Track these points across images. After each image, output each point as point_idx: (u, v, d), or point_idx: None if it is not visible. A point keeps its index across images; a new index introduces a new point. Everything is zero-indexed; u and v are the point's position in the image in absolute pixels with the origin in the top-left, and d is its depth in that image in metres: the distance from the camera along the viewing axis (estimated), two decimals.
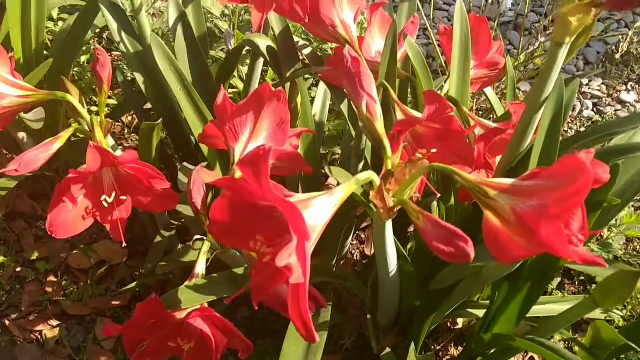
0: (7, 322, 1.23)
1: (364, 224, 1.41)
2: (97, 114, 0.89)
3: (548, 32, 1.56)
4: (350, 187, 0.59)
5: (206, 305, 0.71)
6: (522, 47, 1.49)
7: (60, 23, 1.73)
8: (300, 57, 1.07)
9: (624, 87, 1.72)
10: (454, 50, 0.98)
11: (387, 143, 0.65)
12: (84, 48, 1.60)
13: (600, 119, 1.73)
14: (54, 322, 1.24)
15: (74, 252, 1.34)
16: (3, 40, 1.37)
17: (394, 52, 0.91)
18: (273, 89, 0.80)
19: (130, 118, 1.66)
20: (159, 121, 0.92)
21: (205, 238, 0.79)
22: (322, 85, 1.23)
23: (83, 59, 1.61)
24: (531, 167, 0.80)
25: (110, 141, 0.92)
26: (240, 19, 1.61)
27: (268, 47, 1.07)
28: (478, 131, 0.93)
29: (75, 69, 1.61)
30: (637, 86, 1.77)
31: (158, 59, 0.92)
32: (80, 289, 1.29)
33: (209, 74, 1.06)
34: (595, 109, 1.77)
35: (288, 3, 0.92)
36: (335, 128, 1.48)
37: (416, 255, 0.99)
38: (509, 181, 0.59)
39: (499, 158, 0.93)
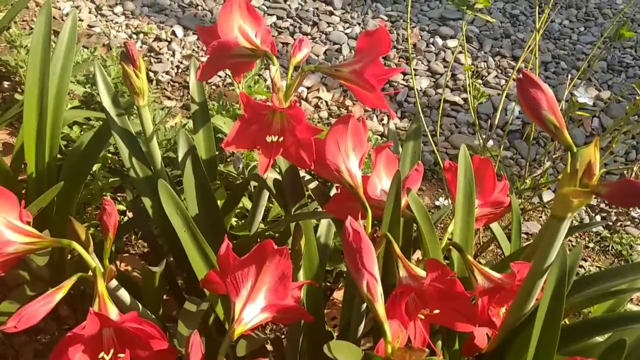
0: None
1: None
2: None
3: (555, 152, 1.58)
4: None
5: None
6: (529, 164, 1.51)
7: (76, 128, 1.77)
8: (306, 192, 1.08)
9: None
10: (458, 197, 0.98)
11: (387, 327, 0.65)
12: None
13: (609, 236, 1.72)
14: None
15: None
16: (17, 152, 1.41)
17: (398, 200, 0.92)
18: (275, 246, 0.80)
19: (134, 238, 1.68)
20: (159, 268, 0.92)
21: None
22: (322, 227, 1.23)
23: (95, 167, 1.64)
24: (535, 330, 0.79)
25: (113, 283, 0.92)
26: None
27: (275, 180, 1.09)
28: (481, 280, 0.92)
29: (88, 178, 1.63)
30: None
31: (165, 203, 0.94)
32: None
33: (216, 212, 1.07)
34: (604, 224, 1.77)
35: (295, 149, 0.94)
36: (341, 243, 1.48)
37: None
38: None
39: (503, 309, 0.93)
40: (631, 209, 1.74)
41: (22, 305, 0.83)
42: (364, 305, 1.00)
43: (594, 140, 0.69)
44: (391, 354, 0.63)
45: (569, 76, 2.20)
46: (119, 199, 1.70)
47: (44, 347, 1.37)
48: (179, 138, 1.07)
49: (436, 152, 1.48)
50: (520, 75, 0.70)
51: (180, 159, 1.08)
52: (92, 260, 0.86)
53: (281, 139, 0.93)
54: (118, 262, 1.56)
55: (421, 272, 0.83)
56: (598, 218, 1.78)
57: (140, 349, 0.80)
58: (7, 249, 0.83)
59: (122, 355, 0.79)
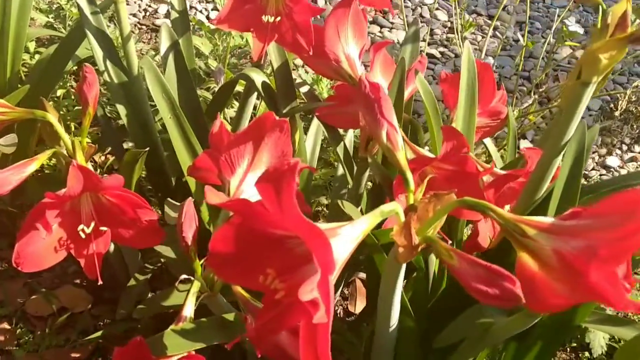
0: None
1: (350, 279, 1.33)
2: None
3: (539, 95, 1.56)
4: (375, 218, 0.52)
5: (193, 353, 0.61)
6: (513, 103, 1.48)
7: (37, 56, 1.66)
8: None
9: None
10: (461, 95, 0.94)
11: (409, 175, 0.59)
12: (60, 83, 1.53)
13: (585, 183, 1.71)
14: None
15: (33, 297, 1.22)
16: None
17: (401, 90, 0.87)
18: (276, 117, 0.73)
19: (103, 158, 1.58)
20: (145, 150, 0.84)
21: (192, 278, 0.70)
22: (311, 131, 1.18)
23: (59, 92, 1.53)
24: (550, 215, 0.75)
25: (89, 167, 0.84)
26: (227, 61, 1.57)
27: (263, 82, 1.02)
28: (486, 178, 0.87)
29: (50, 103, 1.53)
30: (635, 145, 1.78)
31: (149, 82, 0.86)
32: (36, 338, 1.16)
33: (199, 108, 0.99)
34: None
35: (291, 34, 0.88)
36: (322, 177, 1.42)
37: (415, 309, 0.91)
38: (548, 219, 0.53)
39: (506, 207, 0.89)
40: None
41: None
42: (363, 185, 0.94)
43: None
44: (412, 204, 0.57)
45: (542, 35, 2.20)
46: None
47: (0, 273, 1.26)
48: (161, 31, 0.99)
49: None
50: None
51: (162, 53, 1.00)
52: (65, 135, 0.77)
53: (278, 18, 0.86)
54: None
55: (429, 154, 0.78)
56: None
57: (123, 226, 0.72)
58: None
59: (104, 228, 0.70)
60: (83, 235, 0.70)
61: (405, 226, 0.54)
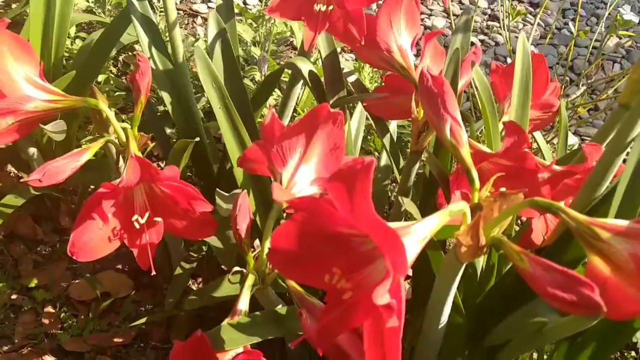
0: None
1: None
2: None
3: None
4: (444, 217, 0.50)
5: (249, 347, 0.61)
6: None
7: (78, 41, 1.67)
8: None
9: None
10: (515, 87, 0.91)
11: (474, 172, 0.57)
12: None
13: None
14: (49, 358, 1.12)
15: (76, 281, 1.24)
16: None
17: (455, 82, 0.85)
18: (330, 109, 0.72)
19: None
20: (195, 139, 0.83)
21: (243, 270, 0.70)
22: (354, 119, 1.16)
23: (100, 78, 1.54)
24: (611, 213, 0.72)
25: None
26: (266, 48, 1.55)
27: (310, 72, 1.00)
28: (541, 174, 0.85)
29: None
30: None
31: (200, 71, 0.85)
32: (79, 323, 1.18)
33: (245, 97, 0.98)
34: None
35: (343, 24, 0.86)
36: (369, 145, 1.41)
37: (464, 306, 0.89)
38: (623, 222, 0.51)
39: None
40: None
41: (27, 202, 0.74)
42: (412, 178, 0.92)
43: None
44: (477, 202, 0.55)
45: (586, 23, 2.14)
46: (123, 117, 1.60)
47: (43, 258, 1.28)
48: (209, 17, 0.98)
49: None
50: None
51: (210, 41, 0.99)
52: (117, 124, 0.77)
53: (330, 7, 0.84)
54: None
55: (485, 149, 0.76)
56: None
57: (176, 217, 0.72)
58: (26, 105, 0.74)
59: (158, 219, 0.70)
60: (137, 226, 0.70)
61: (473, 226, 0.52)
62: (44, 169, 0.68)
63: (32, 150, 1.16)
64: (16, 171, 1.35)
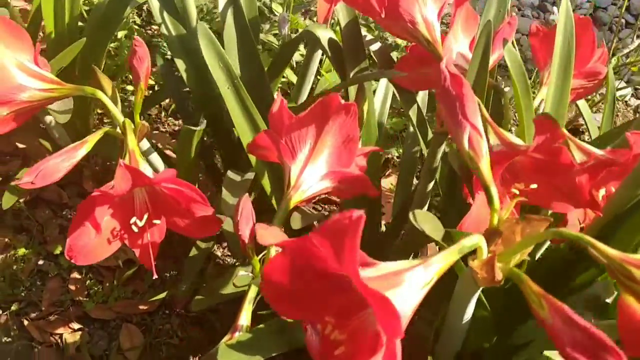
0: (26, 322, 1.13)
1: None
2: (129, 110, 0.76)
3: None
4: (452, 256, 0.45)
5: None
6: (611, 47, 1.31)
7: None
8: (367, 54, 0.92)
9: None
10: (555, 58, 0.82)
11: (494, 190, 0.51)
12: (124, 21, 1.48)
13: None
14: (76, 326, 1.14)
15: None
16: (34, 13, 1.25)
17: (486, 58, 0.76)
18: (342, 100, 0.65)
19: (168, 100, 1.54)
20: (200, 127, 0.78)
21: (250, 274, 0.66)
22: (378, 94, 1.08)
23: (121, 34, 1.48)
24: None
25: (145, 144, 0.79)
26: (292, 3, 1.46)
27: (330, 39, 0.92)
28: (580, 157, 0.77)
29: (112, 45, 1.49)
30: None
31: (205, 52, 0.79)
32: (105, 290, 1.18)
33: (261, 71, 0.92)
34: None
35: None
36: (392, 127, 1.33)
37: (490, 298, 0.84)
38: None
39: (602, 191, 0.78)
40: None
41: None
42: (430, 186, 0.87)
43: None
44: (498, 224, 0.49)
45: None
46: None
47: (69, 222, 1.27)
48: None
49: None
50: None
51: (220, 9, 0.92)
52: (118, 113, 0.72)
53: None
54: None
55: (516, 139, 0.69)
56: None
57: (178, 216, 0.68)
58: (20, 95, 0.70)
59: (157, 221, 0.66)
60: (136, 229, 0.66)
61: (488, 262, 0.46)
62: (37, 169, 0.64)
63: (49, 119, 1.14)
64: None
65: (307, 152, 0.69)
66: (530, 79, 0.86)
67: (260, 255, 0.66)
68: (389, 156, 1.42)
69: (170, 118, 1.53)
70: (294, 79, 1.26)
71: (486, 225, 0.59)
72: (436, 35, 0.79)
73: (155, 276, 0.69)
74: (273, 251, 0.65)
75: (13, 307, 1.14)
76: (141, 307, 1.17)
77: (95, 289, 1.18)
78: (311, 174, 0.68)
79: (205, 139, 1.31)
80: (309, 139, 0.69)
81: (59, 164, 0.66)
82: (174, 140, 1.46)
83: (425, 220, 0.60)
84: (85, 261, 0.66)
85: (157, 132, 1.48)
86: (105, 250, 0.67)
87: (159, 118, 1.53)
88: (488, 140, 0.69)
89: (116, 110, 0.72)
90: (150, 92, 1.45)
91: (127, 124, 0.69)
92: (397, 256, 0.94)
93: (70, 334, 1.13)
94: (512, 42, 0.86)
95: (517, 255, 0.49)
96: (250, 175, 0.85)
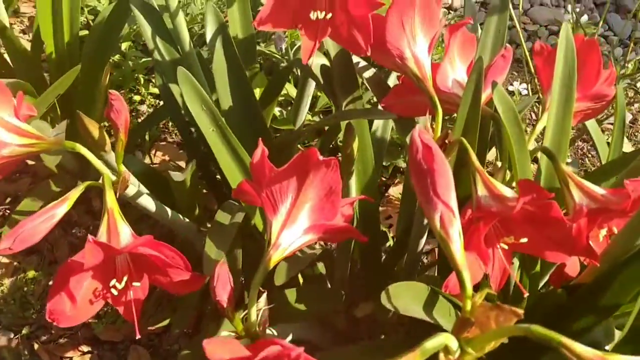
0: (36, 346, 1.15)
1: None
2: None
3: None
4: None
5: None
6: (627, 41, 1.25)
7: (104, 0, 1.59)
8: (360, 81, 0.89)
9: None
10: (554, 89, 0.78)
11: (466, 277, 0.48)
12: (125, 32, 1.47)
13: None
14: (85, 348, 1.16)
15: None
16: (36, 30, 1.25)
17: (477, 95, 0.73)
18: (320, 157, 0.63)
19: None
20: (184, 175, 0.77)
21: (235, 333, 0.65)
22: (377, 127, 1.04)
23: (124, 45, 1.47)
24: None
25: (133, 189, 0.78)
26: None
27: (322, 67, 0.89)
28: (579, 197, 0.73)
29: (116, 57, 1.48)
30: None
31: (186, 96, 0.77)
32: (114, 311, 1.19)
33: (253, 100, 0.89)
34: None
35: (346, 30, 0.74)
36: (399, 137, 1.30)
37: None
38: None
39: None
40: None
41: (45, 204, 0.71)
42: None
43: None
44: (471, 311, 0.47)
45: None
46: (152, 81, 1.54)
47: (79, 240, 1.29)
48: (206, 13, 0.88)
49: (517, 27, 1.23)
50: None
51: (208, 40, 0.89)
52: (101, 165, 0.71)
53: (329, 15, 0.72)
54: (154, 152, 1.44)
55: (506, 191, 0.65)
56: None
57: (159, 274, 0.67)
58: (1, 151, 0.69)
59: (137, 284, 0.66)
60: (115, 292, 0.66)
61: None
62: (15, 233, 0.64)
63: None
64: None
65: (288, 205, 0.67)
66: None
67: (243, 314, 0.65)
68: (399, 165, 1.39)
69: (175, 128, 1.52)
70: (293, 92, 1.23)
71: (474, 282, 0.57)
72: (426, 71, 0.76)
73: (138, 336, 0.69)
74: (254, 313, 0.64)
75: (24, 331, 1.16)
76: (149, 328, 1.18)
77: (104, 309, 1.19)
78: (292, 231, 0.66)
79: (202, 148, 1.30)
80: (290, 192, 0.67)
81: (37, 227, 0.65)
82: (181, 152, 1.46)
83: (399, 295, 0.57)
84: (68, 323, 0.66)
85: (164, 143, 1.48)
86: (88, 311, 0.67)
87: (166, 128, 1.52)
88: (476, 191, 0.67)
89: (98, 163, 0.71)
90: (153, 108, 1.45)
91: (105, 179, 0.68)
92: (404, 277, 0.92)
93: (79, 356, 1.15)
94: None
95: (491, 342, 0.47)
96: (239, 217, 0.83)
